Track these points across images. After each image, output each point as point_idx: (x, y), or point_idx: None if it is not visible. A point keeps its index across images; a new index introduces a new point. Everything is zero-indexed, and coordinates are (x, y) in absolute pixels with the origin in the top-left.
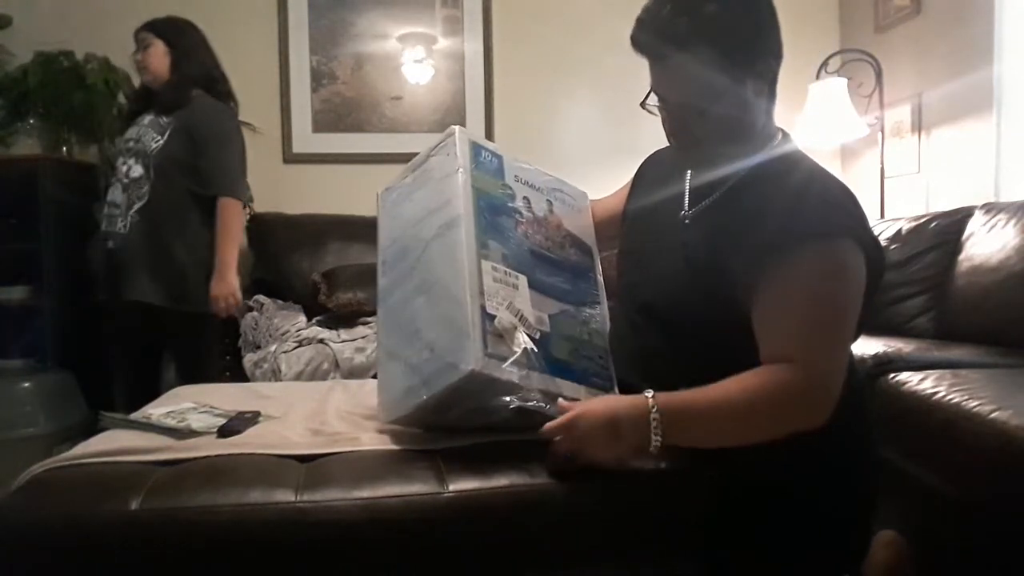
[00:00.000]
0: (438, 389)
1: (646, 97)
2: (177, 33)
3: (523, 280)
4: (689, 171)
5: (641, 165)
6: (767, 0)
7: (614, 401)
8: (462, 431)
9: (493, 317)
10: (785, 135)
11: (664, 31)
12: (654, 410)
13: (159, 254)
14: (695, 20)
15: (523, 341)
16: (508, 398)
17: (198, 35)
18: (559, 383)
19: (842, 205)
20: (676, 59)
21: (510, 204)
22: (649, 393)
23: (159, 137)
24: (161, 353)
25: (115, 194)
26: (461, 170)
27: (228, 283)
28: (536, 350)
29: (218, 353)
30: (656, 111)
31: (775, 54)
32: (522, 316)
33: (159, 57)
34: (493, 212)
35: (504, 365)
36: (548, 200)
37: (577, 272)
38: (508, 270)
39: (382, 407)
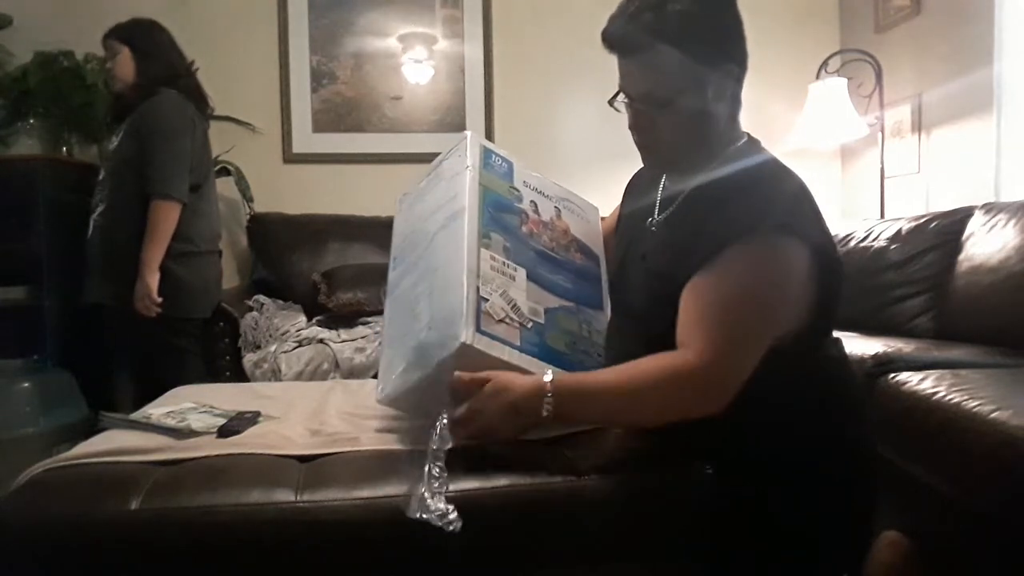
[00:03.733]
0: (431, 366)
1: (615, 95)
2: (141, 35)
3: (521, 272)
4: (663, 180)
5: (632, 176)
6: (733, 11)
7: (518, 379)
8: None
9: (487, 300)
10: (751, 139)
11: (628, 27)
12: (549, 394)
13: (112, 255)
14: (659, 18)
15: (516, 326)
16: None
17: (163, 35)
18: (559, 373)
19: (787, 202)
20: (639, 54)
21: (517, 204)
22: (548, 375)
23: (116, 140)
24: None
25: (93, 201)
26: (469, 169)
27: (144, 284)
28: (531, 337)
29: (178, 356)
30: (623, 108)
31: (737, 62)
32: (515, 305)
33: (126, 64)
34: (498, 209)
35: (495, 343)
36: (556, 207)
37: (582, 275)
38: (507, 261)
39: (380, 389)
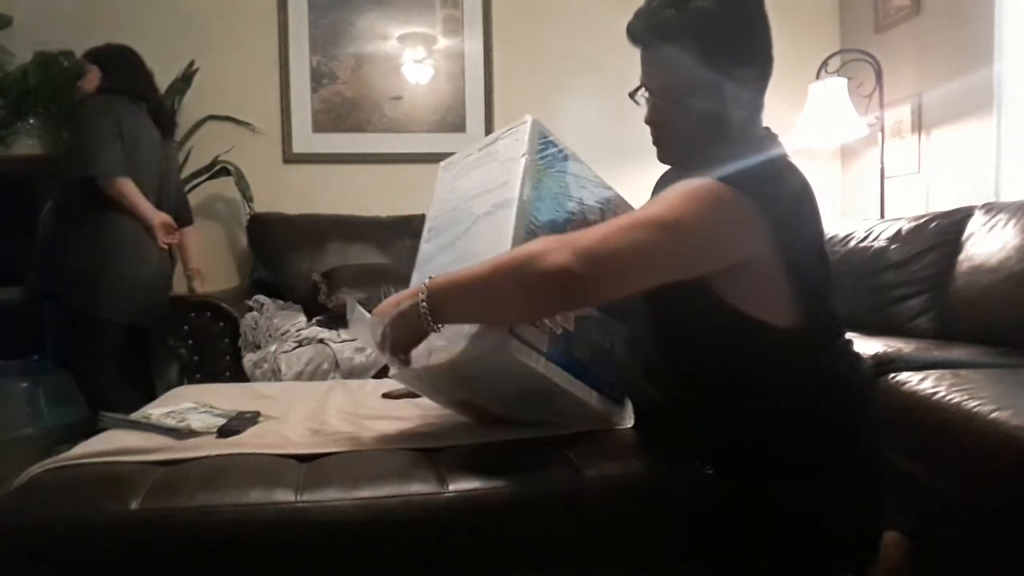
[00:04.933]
0: (455, 354)
1: (637, 89)
2: (112, 57)
3: None
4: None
5: (658, 179)
6: (760, 15)
7: (404, 294)
8: (461, 431)
9: None
10: (770, 133)
11: (652, 20)
12: (423, 292)
13: (44, 249)
14: (682, 14)
15: (546, 331)
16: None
17: (134, 59)
18: (573, 382)
19: (758, 171)
20: (658, 47)
21: (565, 202)
22: (428, 278)
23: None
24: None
25: None
26: (525, 156)
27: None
28: (559, 344)
29: (98, 362)
30: (642, 102)
31: (758, 64)
32: None
33: (91, 82)
34: (546, 204)
35: (527, 348)
36: (602, 209)
37: None
38: None
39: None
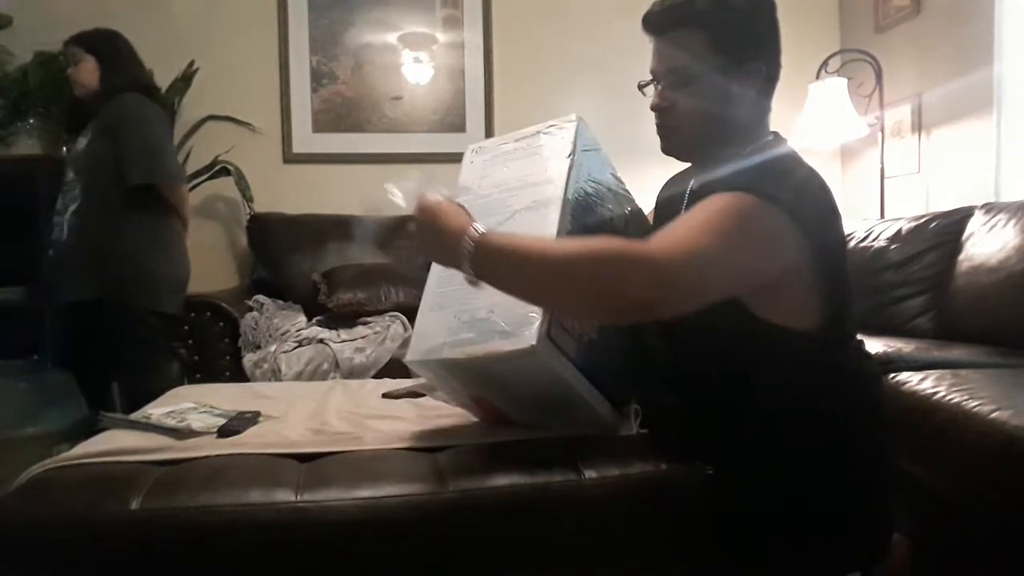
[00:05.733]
0: (488, 351)
1: (647, 82)
2: (104, 44)
3: None
4: (691, 184)
5: (664, 184)
6: (772, 19)
7: (451, 216)
8: (461, 432)
9: None
10: (777, 137)
11: (666, 9)
12: (471, 240)
13: (96, 251)
14: (694, 5)
15: (575, 337)
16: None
17: (125, 45)
18: (592, 391)
19: (791, 183)
20: (670, 33)
21: (598, 207)
22: (480, 227)
23: (84, 140)
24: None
25: (58, 204)
26: (571, 157)
27: None
28: (583, 352)
29: (159, 355)
30: (650, 93)
31: (766, 62)
32: None
33: (89, 72)
34: (583, 208)
35: (559, 354)
36: (627, 218)
37: None
38: None
39: (411, 349)
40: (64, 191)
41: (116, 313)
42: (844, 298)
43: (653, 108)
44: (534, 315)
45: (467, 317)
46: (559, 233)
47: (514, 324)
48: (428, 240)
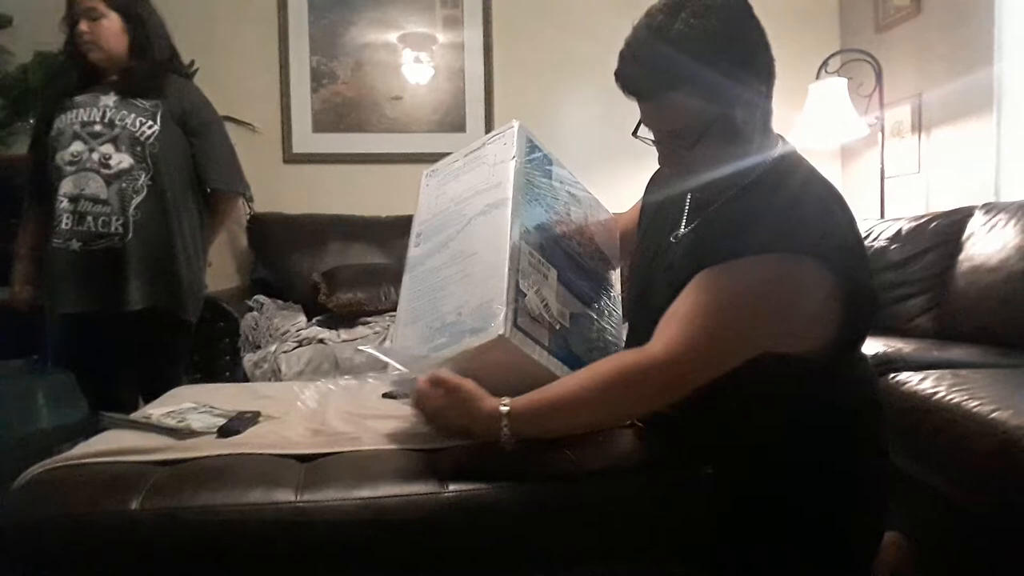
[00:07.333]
0: (456, 351)
1: (637, 127)
2: (137, 7)
3: (553, 273)
4: (690, 194)
5: (648, 182)
6: (753, 24)
7: (480, 402)
8: None
9: (524, 295)
10: (783, 143)
11: (646, 68)
12: (504, 423)
13: (164, 255)
14: (678, 56)
15: (546, 326)
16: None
17: (156, 11)
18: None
19: (814, 222)
20: (661, 96)
21: (553, 204)
22: (506, 403)
23: (151, 123)
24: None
25: (89, 187)
26: (515, 159)
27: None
28: (558, 339)
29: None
30: (648, 142)
31: (763, 76)
32: (547, 304)
33: (116, 34)
34: (536, 206)
35: (528, 340)
36: (585, 213)
37: (599, 284)
38: (542, 259)
39: (392, 363)
40: (110, 177)
41: (170, 326)
42: (867, 319)
43: (662, 164)
44: (499, 307)
45: (438, 324)
46: (514, 230)
47: (481, 320)
48: (459, 427)
